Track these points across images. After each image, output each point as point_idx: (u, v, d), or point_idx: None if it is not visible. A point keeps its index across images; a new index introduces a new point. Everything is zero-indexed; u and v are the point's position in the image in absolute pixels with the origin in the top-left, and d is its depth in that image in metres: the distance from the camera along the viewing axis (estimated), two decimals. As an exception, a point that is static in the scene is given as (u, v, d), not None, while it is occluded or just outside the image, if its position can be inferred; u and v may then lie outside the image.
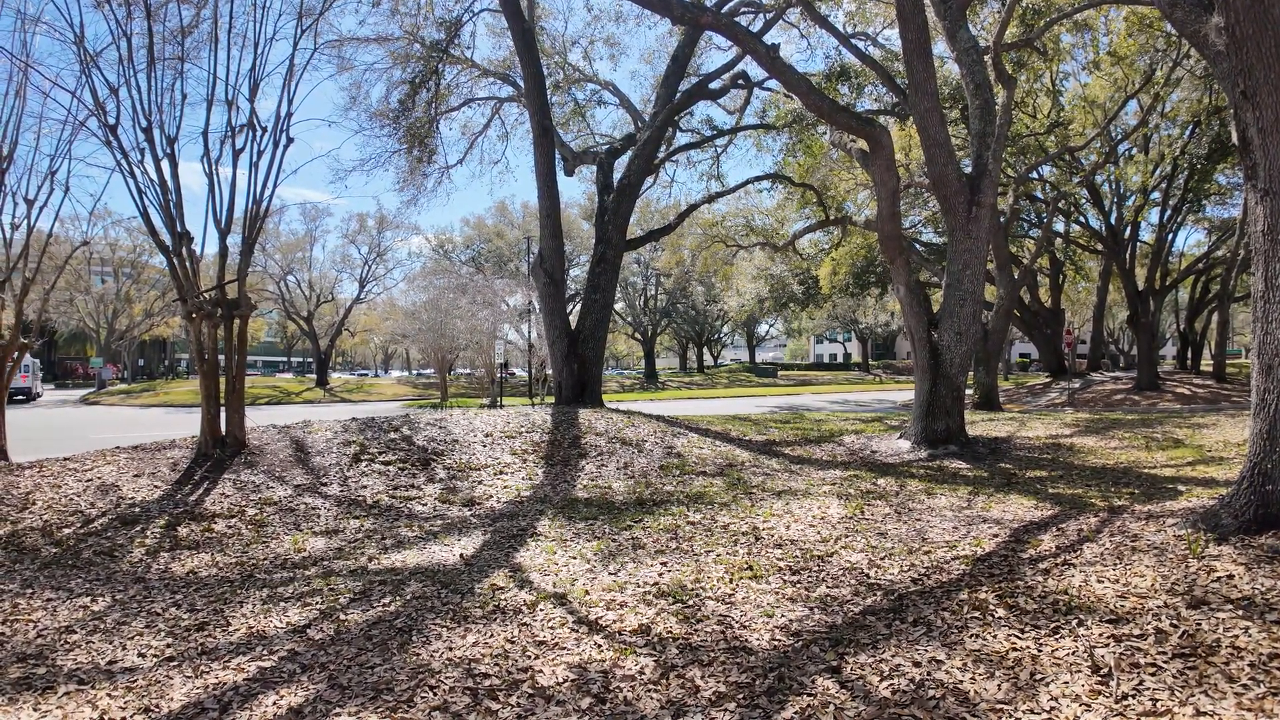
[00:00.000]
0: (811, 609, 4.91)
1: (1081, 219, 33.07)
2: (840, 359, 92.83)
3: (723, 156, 24.68)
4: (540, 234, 16.67)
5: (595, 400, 16.27)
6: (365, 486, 9.11)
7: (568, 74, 23.23)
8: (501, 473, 9.80)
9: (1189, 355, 37.84)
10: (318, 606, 5.39)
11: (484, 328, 39.98)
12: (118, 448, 11.02)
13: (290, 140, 11.14)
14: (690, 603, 5.08)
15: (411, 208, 62.62)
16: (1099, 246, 34.62)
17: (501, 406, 32.27)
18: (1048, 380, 37.12)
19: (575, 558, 6.31)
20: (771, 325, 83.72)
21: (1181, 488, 8.90)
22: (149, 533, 7.70)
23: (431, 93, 19.28)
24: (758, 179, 22.72)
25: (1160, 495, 8.37)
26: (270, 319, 77.70)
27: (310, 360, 69.03)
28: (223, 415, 10.55)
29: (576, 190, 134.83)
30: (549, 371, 36.64)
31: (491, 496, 8.82)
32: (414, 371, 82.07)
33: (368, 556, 6.63)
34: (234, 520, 8.07)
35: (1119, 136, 27.28)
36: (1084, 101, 26.53)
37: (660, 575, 5.74)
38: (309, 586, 5.89)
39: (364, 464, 9.81)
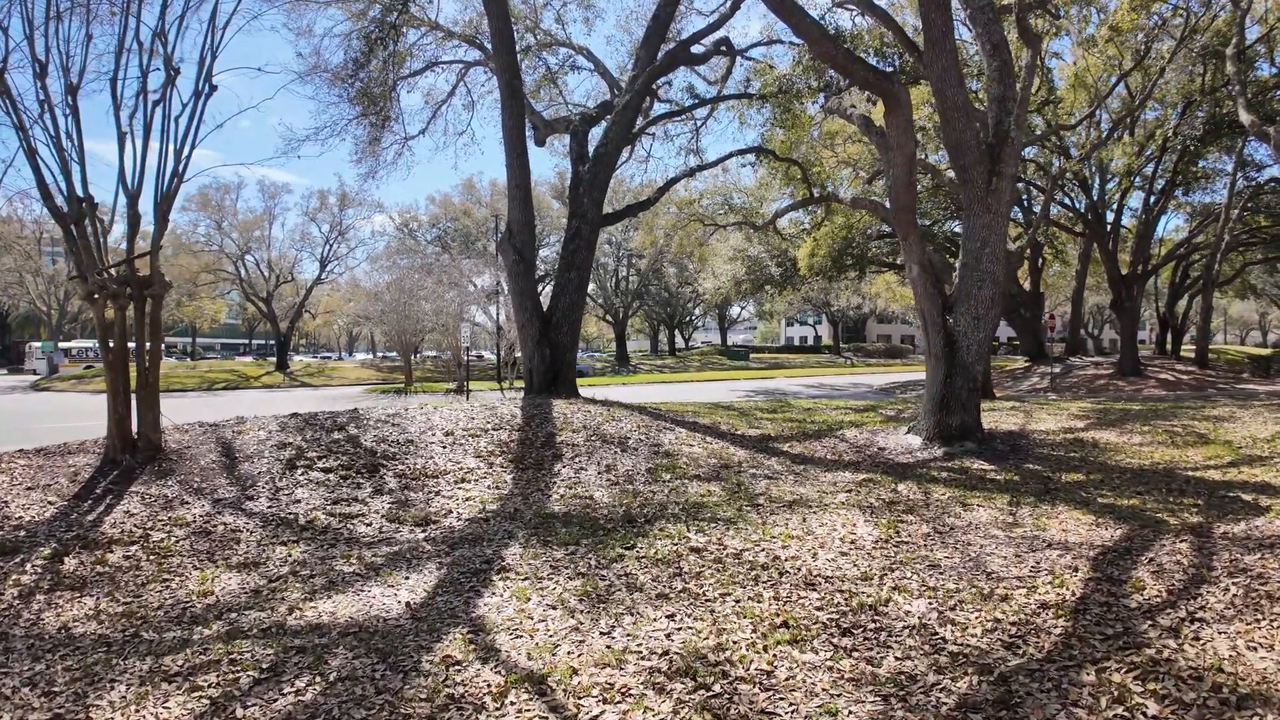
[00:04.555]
0: (887, 699, 3.57)
1: (1068, 200, 32.19)
2: (811, 342, 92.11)
3: (702, 131, 23.16)
4: (508, 206, 15.12)
5: (570, 389, 14.84)
6: (299, 501, 7.61)
7: (539, 38, 21.58)
8: (463, 480, 8.34)
9: (1169, 340, 37.31)
10: (209, 692, 3.95)
11: (450, 309, 38.35)
12: (21, 450, 9.41)
13: (213, 88, 9.50)
14: (717, 688, 3.72)
15: (370, 181, 60.23)
16: (1080, 229, 33.87)
17: (469, 391, 30.79)
18: (1027, 365, 36.44)
19: (555, 606, 4.92)
20: (743, 308, 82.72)
21: (1246, 497, 7.76)
22: (29, 567, 6.16)
23: (389, 50, 17.55)
24: (741, 152, 21.33)
25: (1232, 509, 7.21)
26: (231, 300, 75.03)
27: (273, 343, 66.49)
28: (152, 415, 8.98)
29: (546, 166, 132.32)
30: (519, 354, 35.18)
31: (450, 512, 7.37)
32: (379, 354, 79.86)
33: (288, 606, 5.17)
34: (134, 548, 6.56)
35: (1112, 116, 26.30)
36: (1075, 80, 25.51)
37: (669, 637, 4.38)
38: (205, 655, 4.44)
39: (300, 471, 8.30)
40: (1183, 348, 37.71)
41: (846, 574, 5.40)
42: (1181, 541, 5.95)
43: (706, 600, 4.95)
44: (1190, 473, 9.31)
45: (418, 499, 7.71)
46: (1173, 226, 39.60)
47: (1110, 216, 31.98)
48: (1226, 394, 24.62)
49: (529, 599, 5.05)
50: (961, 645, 4.11)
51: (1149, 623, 4.35)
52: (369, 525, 7.02)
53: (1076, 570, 5.37)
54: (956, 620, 4.47)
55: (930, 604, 4.75)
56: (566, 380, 14.93)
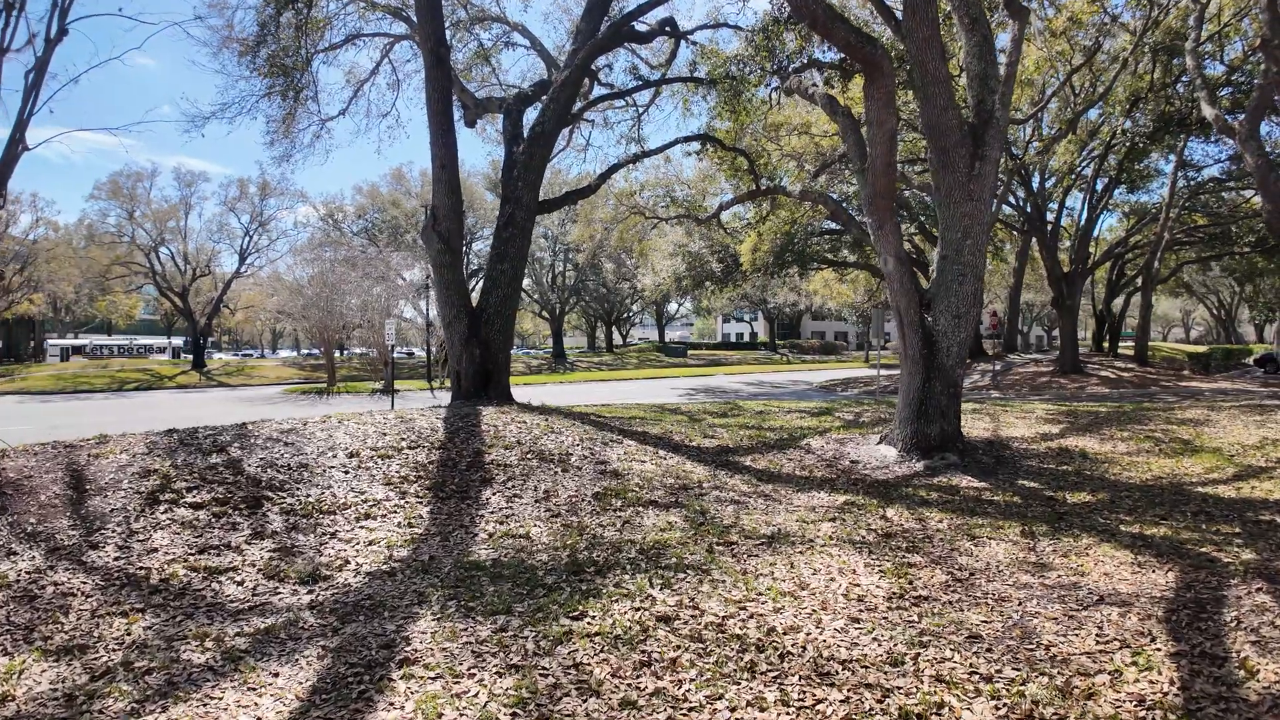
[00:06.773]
0: None
1: (1011, 198, 31.90)
2: (747, 338, 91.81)
3: (644, 119, 21.77)
4: (433, 189, 13.47)
5: (502, 394, 13.30)
6: (156, 549, 5.96)
7: (471, 12, 19.92)
8: (367, 517, 6.77)
9: (1106, 338, 37.58)
10: None
11: (377, 305, 36.23)
12: None
13: (64, 32, 7.74)
14: None
15: (287, 165, 57.15)
16: (1021, 226, 33.75)
17: (395, 391, 28.83)
18: (968, 362, 36.31)
19: (479, 726, 3.48)
20: (681, 304, 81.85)
21: (1281, 521, 6.81)
22: None
23: (303, 16, 15.68)
24: (687, 139, 20.01)
25: (1278, 538, 6.23)
26: (148, 294, 70.70)
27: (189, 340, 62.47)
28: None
29: (479, 155, 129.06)
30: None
31: (347, 563, 5.82)
32: (303, 352, 76.36)
33: (96, 727, 3.61)
34: (-70, 620, 4.88)
35: (1069, 111, 25.90)
36: (1024, 76, 25.01)
37: (645, 785, 3.01)
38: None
39: (163, 508, 6.62)
40: (1120, 345, 38.06)
41: (868, 655, 4.11)
42: (1258, 591, 4.86)
43: (690, 709, 3.58)
44: (1200, 489, 8.39)
45: (307, 544, 6.13)
46: (1106, 226, 39.90)
47: (1050, 215, 31.85)
48: (1172, 391, 24.50)
49: (441, 713, 3.59)
50: (1071, 796, 2.85)
51: (1296, 736, 3.17)
52: (240, 583, 5.43)
53: (1153, 640, 4.20)
54: (1043, 742, 3.20)
55: (995, 709, 3.48)
56: (499, 384, 13.40)
